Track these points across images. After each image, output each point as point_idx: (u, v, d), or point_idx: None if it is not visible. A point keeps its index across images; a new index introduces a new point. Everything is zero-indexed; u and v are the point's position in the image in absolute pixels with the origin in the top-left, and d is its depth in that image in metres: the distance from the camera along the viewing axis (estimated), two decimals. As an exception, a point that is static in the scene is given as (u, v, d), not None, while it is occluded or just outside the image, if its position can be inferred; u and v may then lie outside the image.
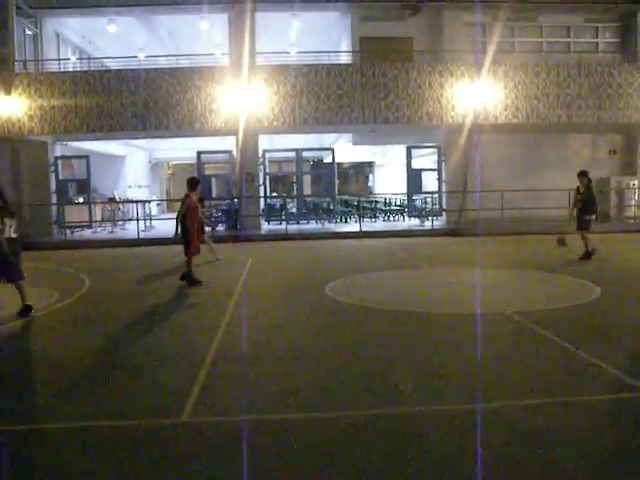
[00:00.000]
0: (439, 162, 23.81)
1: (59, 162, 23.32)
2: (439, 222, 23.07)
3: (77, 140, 23.72)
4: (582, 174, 14.50)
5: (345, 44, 24.89)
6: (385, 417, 5.18)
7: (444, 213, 23.40)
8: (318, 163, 31.93)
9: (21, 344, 8.29)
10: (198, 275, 12.14)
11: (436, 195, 24.11)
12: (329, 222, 24.63)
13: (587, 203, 14.20)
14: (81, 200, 24.14)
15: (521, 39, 24.72)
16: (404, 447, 4.57)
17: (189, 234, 11.72)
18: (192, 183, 12.14)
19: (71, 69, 24.77)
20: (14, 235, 9.17)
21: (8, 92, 21.00)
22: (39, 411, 5.68)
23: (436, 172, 23.97)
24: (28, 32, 23.08)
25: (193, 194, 11.98)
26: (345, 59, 23.67)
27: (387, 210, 27.17)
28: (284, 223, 23.28)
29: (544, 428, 4.83)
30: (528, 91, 21.82)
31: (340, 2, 22.88)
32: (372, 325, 8.45)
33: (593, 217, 14.21)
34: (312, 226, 23.86)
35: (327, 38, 26.02)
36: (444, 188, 23.47)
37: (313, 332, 8.18)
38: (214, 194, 27.25)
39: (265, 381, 6.15)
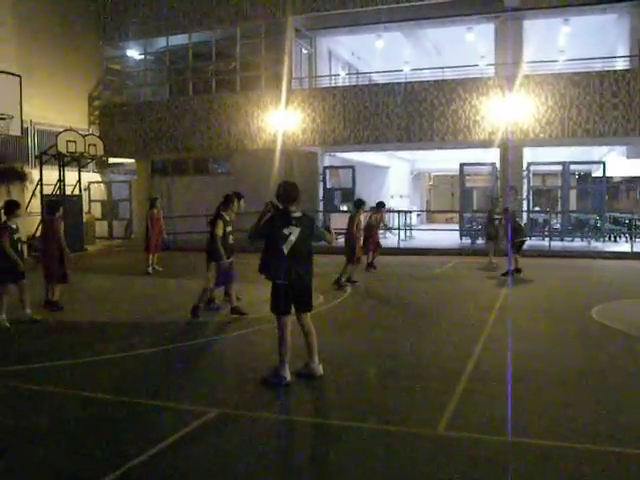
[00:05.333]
0: None
1: (327, 172, 24.63)
2: None
3: (344, 151, 24.89)
4: None
5: (622, 48, 23.19)
6: None
7: None
8: (585, 177, 30.14)
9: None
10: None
11: None
12: (596, 240, 23.09)
13: None
14: (345, 208, 25.16)
15: None
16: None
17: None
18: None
19: (340, 84, 26.03)
20: None
21: (285, 108, 22.66)
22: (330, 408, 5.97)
23: None
24: (304, 51, 24.68)
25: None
26: (621, 65, 22.01)
27: (664, 230, 24.76)
28: (547, 239, 22.28)
29: None
30: None
31: (619, 2, 21.17)
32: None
33: None
34: (577, 244, 22.51)
35: (600, 43, 24.42)
36: None
37: (576, 357, 7.66)
38: (474, 207, 26.92)
39: (523, 403, 5.87)
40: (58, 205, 11.26)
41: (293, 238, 6.44)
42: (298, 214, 6.58)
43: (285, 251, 6.44)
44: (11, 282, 9.64)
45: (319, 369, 6.63)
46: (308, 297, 6.70)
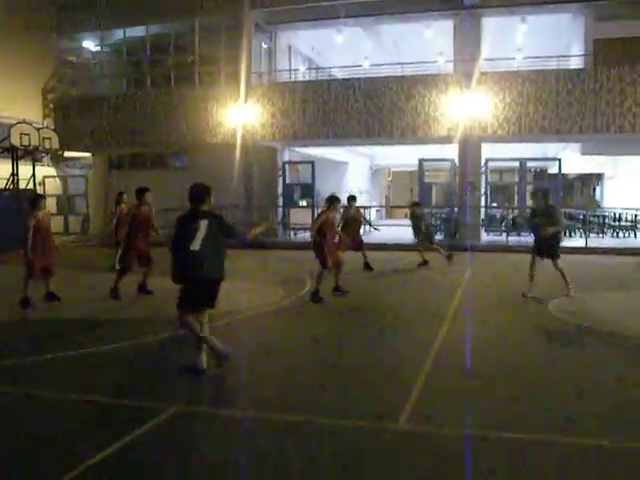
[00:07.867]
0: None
1: (287, 167, 24.55)
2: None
3: (304, 146, 24.85)
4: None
5: (576, 47, 23.54)
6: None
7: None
8: (541, 173, 30.59)
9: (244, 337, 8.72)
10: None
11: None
12: (552, 235, 23.41)
13: None
14: (304, 203, 25.08)
15: None
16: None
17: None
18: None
19: (300, 79, 25.97)
20: None
21: (245, 102, 22.51)
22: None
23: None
24: (264, 46, 24.54)
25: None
26: (576, 64, 22.37)
27: (617, 226, 25.30)
28: (504, 234, 22.57)
29: None
30: None
31: (574, 2, 21.50)
32: (595, 347, 7.92)
33: None
34: (533, 238, 22.79)
35: (556, 42, 24.73)
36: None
37: (532, 349, 7.79)
38: (433, 202, 27.17)
39: (481, 395, 5.94)
40: (36, 199, 11.59)
41: (202, 231, 6.44)
42: (204, 210, 6.66)
43: (194, 247, 6.41)
44: None
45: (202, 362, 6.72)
46: (214, 293, 6.70)
